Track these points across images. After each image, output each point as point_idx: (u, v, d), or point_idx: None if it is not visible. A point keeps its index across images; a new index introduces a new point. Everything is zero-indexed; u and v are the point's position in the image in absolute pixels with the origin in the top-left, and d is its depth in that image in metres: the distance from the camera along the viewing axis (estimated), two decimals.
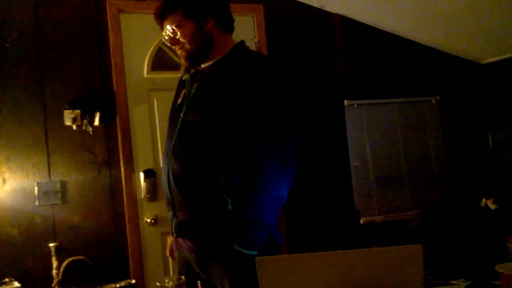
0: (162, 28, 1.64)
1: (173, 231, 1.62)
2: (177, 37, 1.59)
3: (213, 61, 1.64)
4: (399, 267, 1.05)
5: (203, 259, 1.56)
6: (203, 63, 1.66)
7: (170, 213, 1.63)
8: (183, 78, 1.71)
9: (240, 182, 1.51)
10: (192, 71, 1.69)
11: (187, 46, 1.59)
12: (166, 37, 1.63)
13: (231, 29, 1.69)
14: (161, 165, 1.72)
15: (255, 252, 1.45)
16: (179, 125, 1.60)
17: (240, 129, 1.51)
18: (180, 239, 1.62)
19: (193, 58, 1.62)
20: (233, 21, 1.69)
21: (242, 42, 1.69)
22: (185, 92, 1.66)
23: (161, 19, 1.62)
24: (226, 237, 1.48)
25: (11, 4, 2.43)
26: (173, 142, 1.60)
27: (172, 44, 1.62)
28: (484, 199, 3.08)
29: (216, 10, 1.62)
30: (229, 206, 1.50)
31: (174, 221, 1.60)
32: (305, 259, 1.11)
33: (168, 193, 1.61)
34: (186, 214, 1.56)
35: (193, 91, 1.62)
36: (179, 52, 1.64)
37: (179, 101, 1.68)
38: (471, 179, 3.34)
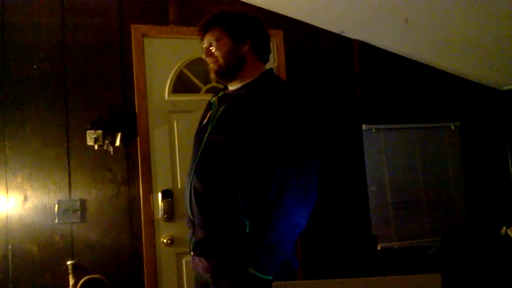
0: (202, 40, 1.73)
1: (191, 250, 1.64)
2: (212, 50, 1.68)
3: (242, 84, 1.69)
4: None
5: (218, 279, 1.56)
6: (230, 82, 1.73)
7: (190, 232, 1.66)
8: (211, 101, 1.76)
9: (259, 206, 1.52)
10: (221, 93, 1.75)
11: (220, 60, 1.67)
12: (204, 52, 1.71)
13: (265, 59, 1.76)
14: (184, 184, 1.73)
15: (270, 277, 1.45)
16: (203, 145, 1.64)
17: (261, 153, 1.54)
18: (197, 258, 1.64)
19: (222, 73, 1.69)
20: (269, 52, 1.77)
21: (271, 70, 1.75)
22: (211, 113, 1.70)
23: (203, 31, 1.71)
24: (241, 259, 1.50)
25: (39, 27, 2.52)
26: (196, 161, 1.63)
27: (207, 55, 1.70)
28: (504, 228, 3.01)
29: (255, 36, 1.70)
30: (247, 229, 1.51)
31: (192, 239, 1.63)
32: (321, 285, 1.10)
33: (189, 212, 1.64)
34: (204, 233, 1.58)
35: (219, 112, 1.66)
36: (211, 65, 1.71)
37: (204, 121, 1.73)
38: (491, 207, 3.28)
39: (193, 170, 1.64)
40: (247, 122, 1.56)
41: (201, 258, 1.61)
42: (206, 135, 1.65)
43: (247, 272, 1.46)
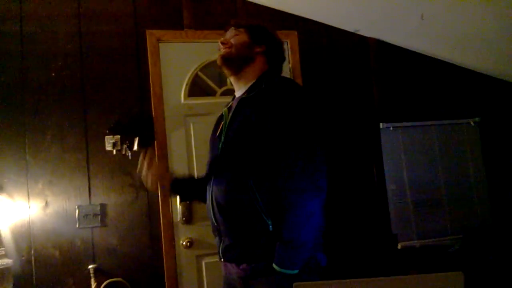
0: (225, 31, 1.84)
1: (221, 256, 1.68)
2: (230, 39, 1.77)
3: (245, 88, 1.75)
4: None
5: (248, 280, 1.59)
6: (234, 75, 1.79)
7: (217, 239, 1.70)
8: (223, 113, 1.82)
9: (277, 203, 1.54)
10: (230, 104, 1.82)
11: (233, 48, 1.75)
12: (220, 41, 1.81)
13: (274, 65, 1.83)
14: (207, 194, 1.77)
15: (296, 271, 1.46)
16: (219, 153, 1.70)
17: (269, 151, 1.57)
18: (228, 264, 1.67)
19: (228, 59, 1.76)
20: (279, 64, 1.85)
21: (270, 70, 1.80)
22: (223, 123, 1.76)
23: (231, 26, 1.83)
24: (268, 258, 1.51)
25: (57, 35, 2.56)
26: (213, 173, 1.69)
27: (223, 42, 1.78)
28: None
29: (270, 44, 1.81)
30: (270, 228, 1.53)
31: (221, 246, 1.66)
32: (342, 285, 1.10)
33: (214, 220, 1.68)
34: (231, 239, 1.62)
35: (228, 121, 1.72)
36: (222, 50, 1.78)
37: (218, 132, 1.78)
38: None
39: (212, 181, 1.69)
40: (251, 124, 1.61)
41: (232, 264, 1.64)
42: (220, 145, 1.71)
43: (274, 270, 1.47)
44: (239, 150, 1.61)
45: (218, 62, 1.79)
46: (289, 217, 1.49)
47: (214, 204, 1.66)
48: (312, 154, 1.54)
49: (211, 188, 1.69)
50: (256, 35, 1.78)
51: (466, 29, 2.80)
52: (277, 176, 1.54)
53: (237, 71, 1.77)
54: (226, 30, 1.84)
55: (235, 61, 1.76)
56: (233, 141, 1.65)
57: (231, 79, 1.84)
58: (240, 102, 1.72)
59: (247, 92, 1.73)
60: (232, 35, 1.79)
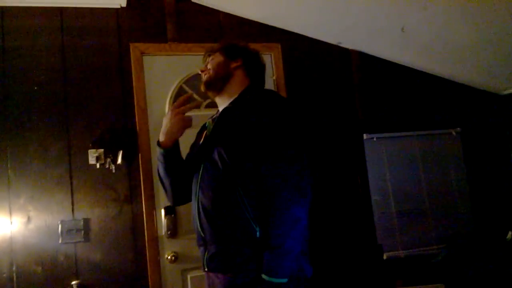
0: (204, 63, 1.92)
1: (205, 266, 1.67)
2: (207, 65, 1.85)
3: (229, 101, 1.79)
4: None
5: None
6: (217, 95, 1.84)
7: (202, 249, 1.69)
8: (206, 124, 1.86)
9: (264, 209, 1.55)
10: (214, 116, 1.85)
11: (210, 72, 1.82)
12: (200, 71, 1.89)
13: (255, 80, 1.86)
14: (192, 204, 1.79)
15: (284, 280, 1.46)
16: (203, 164, 1.70)
17: (253, 158, 1.58)
18: (212, 274, 1.66)
19: (209, 83, 1.82)
20: (260, 74, 1.90)
21: (254, 84, 1.85)
22: (206, 133, 1.79)
23: (205, 56, 1.92)
24: (255, 267, 1.50)
25: (40, 48, 2.55)
26: (199, 180, 1.70)
27: (202, 71, 1.87)
28: (510, 232, 3.00)
29: (246, 57, 1.86)
30: (258, 234, 1.53)
31: (205, 255, 1.65)
32: None
33: (200, 229, 1.67)
34: (217, 247, 1.61)
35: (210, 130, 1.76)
36: (203, 78, 1.86)
37: (201, 142, 1.81)
38: (496, 212, 3.26)
39: (198, 188, 1.69)
40: (234, 132, 1.64)
41: (217, 274, 1.63)
42: (204, 154, 1.72)
43: (261, 279, 1.47)
44: (224, 157, 1.62)
45: (203, 89, 1.85)
46: (274, 224, 1.49)
47: (201, 211, 1.66)
48: (295, 163, 1.55)
49: (197, 196, 1.69)
50: (230, 52, 1.84)
51: (447, 40, 2.85)
52: (261, 183, 1.55)
53: (220, 90, 1.82)
54: (204, 61, 1.91)
55: (215, 82, 1.81)
56: (217, 149, 1.66)
57: (216, 100, 1.87)
58: (223, 112, 1.75)
59: (231, 104, 1.76)
60: (208, 61, 1.86)
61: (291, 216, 1.50)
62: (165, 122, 1.77)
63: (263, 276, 1.47)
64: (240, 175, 1.58)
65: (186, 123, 1.76)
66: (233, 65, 1.82)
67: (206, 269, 1.67)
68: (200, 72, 1.88)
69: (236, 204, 1.56)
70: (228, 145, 1.63)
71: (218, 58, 1.84)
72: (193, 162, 1.79)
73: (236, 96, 1.79)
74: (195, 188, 1.73)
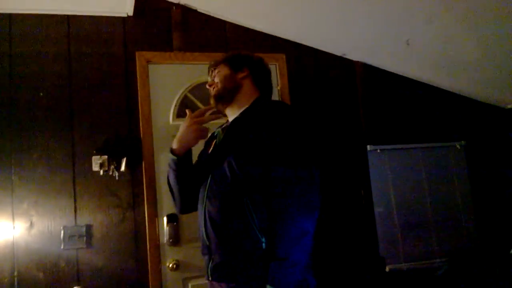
0: (209, 76, 1.92)
1: (209, 275, 1.66)
2: (214, 79, 1.85)
3: (239, 112, 1.78)
4: None
5: None
6: (227, 107, 1.83)
7: (206, 258, 1.69)
8: (215, 133, 1.86)
9: (271, 220, 1.54)
10: (224, 125, 1.85)
11: (218, 85, 1.82)
12: (207, 85, 1.89)
13: (263, 87, 1.87)
14: (198, 212, 1.78)
15: None
16: (211, 173, 1.71)
17: (263, 170, 1.57)
18: (215, 283, 1.65)
19: (219, 96, 1.82)
20: (269, 85, 1.90)
21: (264, 95, 1.85)
22: (215, 142, 1.79)
23: (209, 70, 1.91)
24: (260, 278, 1.50)
25: (46, 55, 2.58)
26: (207, 188, 1.69)
27: (209, 85, 1.87)
28: None
29: (252, 66, 1.86)
30: (263, 246, 1.53)
31: (210, 264, 1.65)
32: None
33: (205, 238, 1.67)
34: (222, 257, 1.61)
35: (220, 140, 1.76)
36: (211, 92, 1.85)
37: (210, 150, 1.81)
38: (500, 226, 3.24)
39: (205, 197, 1.69)
40: (245, 143, 1.63)
41: (220, 283, 1.62)
42: (212, 162, 1.72)
43: None
44: (233, 167, 1.62)
45: (213, 104, 1.85)
46: (283, 235, 1.49)
47: (207, 220, 1.65)
48: (305, 173, 1.55)
49: (203, 205, 1.69)
50: (235, 63, 1.85)
51: (451, 54, 2.86)
52: (271, 194, 1.55)
53: (230, 102, 1.81)
54: (209, 74, 1.91)
55: (224, 95, 1.81)
56: (227, 159, 1.65)
57: (226, 111, 1.86)
58: (234, 122, 1.76)
59: (241, 114, 1.76)
60: (215, 74, 1.86)
61: (299, 229, 1.50)
62: (181, 130, 1.80)
63: (268, 287, 1.46)
64: (248, 186, 1.58)
65: (202, 133, 1.79)
66: (240, 75, 1.83)
67: (210, 278, 1.66)
68: (208, 87, 1.89)
69: (243, 215, 1.56)
70: (238, 155, 1.63)
71: (224, 70, 1.84)
72: (201, 170, 1.79)
73: (246, 106, 1.78)
74: (202, 196, 1.73)
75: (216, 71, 1.86)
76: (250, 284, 1.54)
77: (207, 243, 1.66)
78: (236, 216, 1.58)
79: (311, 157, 1.60)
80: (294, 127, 1.64)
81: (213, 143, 1.81)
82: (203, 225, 1.68)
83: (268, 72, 1.91)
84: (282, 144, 1.58)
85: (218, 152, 1.73)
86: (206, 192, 1.70)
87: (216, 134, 1.84)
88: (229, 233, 1.60)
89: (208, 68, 1.93)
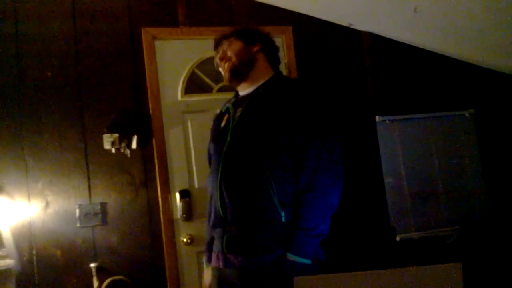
0: (216, 51, 1.85)
1: (224, 247, 1.64)
2: (226, 53, 1.79)
3: (254, 87, 1.77)
4: (438, 287, 1.05)
5: (250, 275, 1.58)
6: (241, 83, 1.80)
7: (219, 230, 1.67)
8: (223, 110, 1.85)
9: (294, 194, 1.58)
10: (233, 100, 1.84)
11: (233, 59, 1.77)
12: (218, 59, 1.83)
13: (274, 64, 1.85)
14: (208, 184, 1.79)
15: (309, 261, 1.51)
16: (227, 145, 1.68)
17: (291, 143, 1.60)
18: (230, 256, 1.63)
19: (235, 71, 1.78)
20: (278, 61, 1.88)
21: (281, 72, 1.86)
22: (228, 116, 1.76)
23: (217, 44, 1.84)
24: (279, 248, 1.53)
25: (52, 34, 2.56)
26: (222, 160, 1.67)
27: (221, 59, 1.80)
28: None
29: (264, 40, 1.83)
30: (283, 219, 1.55)
31: (225, 237, 1.64)
32: (342, 279, 1.12)
33: (220, 209, 1.65)
34: (239, 228, 1.61)
35: (238, 113, 1.72)
36: (225, 66, 1.80)
37: (222, 124, 1.78)
38: (510, 194, 3.25)
39: (220, 169, 1.67)
40: (271, 118, 1.63)
41: (236, 255, 1.61)
42: (229, 135, 1.69)
43: (286, 260, 1.50)
44: (257, 139, 1.62)
45: (227, 79, 1.81)
46: (313, 207, 1.53)
47: (224, 192, 1.63)
48: (336, 150, 1.61)
49: (218, 176, 1.67)
50: (247, 36, 1.81)
51: (460, 21, 2.82)
52: (298, 167, 1.57)
53: (245, 77, 1.78)
54: (216, 48, 1.85)
55: (241, 69, 1.77)
56: (250, 131, 1.65)
57: (239, 88, 1.83)
58: (255, 96, 1.72)
59: (262, 87, 1.74)
60: (226, 48, 1.80)
61: (327, 201, 1.56)
62: None
63: (289, 255, 1.50)
64: (272, 160, 1.59)
65: None
66: (254, 49, 1.79)
67: (225, 251, 1.64)
68: (218, 61, 1.83)
69: (264, 187, 1.56)
70: (261, 128, 1.62)
71: (236, 44, 1.79)
72: (217, 141, 1.78)
73: (261, 81, 1.77)
74: (215, 168, 1.70)
75: (227, 44, 1.80)
76: (269, 254, 1.55)
77: (222, 214, 1.65)
78: (257, 188, 1.58)
79: (341, 135, 1.65)
80: (321, 101, 1.66)
81: (225, 118, 1.79)
82: (217, 196, 1.66)
83: (277, 49, 1.90)
84: (317, 121, 1.60)
85: (236, 125, 1.70)
86: (221, 164, 1.67)
87: (226, 110, 1.82)
88: (248, 206, 1.59)
89: (216, 43, 1.86)
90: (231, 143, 1.67)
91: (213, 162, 1.76)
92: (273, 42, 1.88)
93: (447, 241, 3.04)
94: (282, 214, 1.55)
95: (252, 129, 1.65)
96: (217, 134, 1.80)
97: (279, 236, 1.55)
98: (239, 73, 1.78)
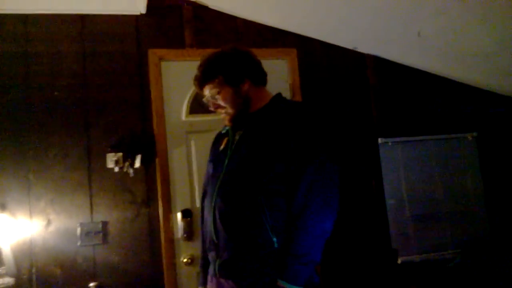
0: (201, 91, 1.78)
1: (216, 272, 1.66)
2: (218, 102, 1.73)
3: (254, 111, 1.75)
4: None
5: None
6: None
7: (213, 254, 1.68)
8: (223, 132, 1.84)
9: (286, 220, 1.56)
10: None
11: (229, 110, 1.73)
12: (206, 101, 1.77)
13: (264, 82, 1.81)
14: (205, 208, 1.79)
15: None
16: (224, 169, 1.69)
17: (284, 171, 1.58)
18: (222, 280, 1.65)
19: (236, 118, 1.75)
20: (265, 74, 1.81)
21: (280, 93, 1.81)
22: (228, 139, 1.76)
23: (200, 87, 1.77)
24: (270, 275, 1.52)
25: (61, 55, 2.60)
26: (218, 185, 1.67)
27: (215, 108, 1.76)
28: None
29: (251, 72, 1.74)
30: (275, 245, 1.55)
31: (217, 261, 1.65)
32: None
33: (213, 234, 1.66)
34: (230, 254, 1.61)
35: (237, 137, 1.72)
36: (222, 115, 1.77)
37: (221, 147, 1.78)
38: None
39: (215, 194, 1.67)
40: (267, 143, 1.62)
41: (228, 280, 1.62)
42: (227, 159, 1.70)
43: (277, 286, 1.49)
44: (252, 165, 1.62)
45: (229, 125, 1.78)
46: (304, 234, 1.51)
47: (217, 216, 1.64)
48: (330, 175, 1.58)
49: (213, 201, 1.67)
50: (232, 76, 1.70)
51: (463, 44, 2.84)
52: (291, 192, 1.57)
53: (247, 114, 1.74)
54: (199, 89, 1.77)
55: (240, 114, 1.74)
56: (245, 156, 1.65)
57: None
58: (253, 121, 1.71)
59: (259, 111, 1.73)
60: (214, 94, 1.72)
61: (320, 228, 1.54)
62: None
63: (280, 281, 1.49)
64: (265, 185, 1.58)
65: None
66: (244, 88, 1.72)
67: (217, 275, 1.66)
68: (212, 109, 1.77)
69: (257, 213, 1.56)
70: (257, 154, 1.62)
71: (226, 91, 1.71)
72: (216, 163, 1.78)
73: (258, 107, 1.74)
74: (211, 192, 1.71)
75: (214, 91, 1.72)
76: (260, 279, 1.54)
77: (215, 239, 1.65)
78: (250, 215, 1.57)
79: (335, 160, 1.62)
80: (318, 125, 1.65)
81: (225, 141, 1.79)
82: (211, 221, 1.67)
83: (259, 63, 1.79)
84: (309, 145, 1.59)
85: (234, 149, 1.71)
86: (217, 188, 1.67)
87: (225, 132, 1.82)
88: (240, 231, 1.59)
89: (198, 84, 1.77)
90: (228, 170, 1.68)
91: (210, 185, 1.76)
92: (255, 62, 1.77)
93: (449, 264, 3.02)
94: (274, 240, 1.55)
95: (248, 155, 1.64)
96: (216, 157, 1.81)
97: (271, 261, 1.54)
98: (239, 117, 1.75)
